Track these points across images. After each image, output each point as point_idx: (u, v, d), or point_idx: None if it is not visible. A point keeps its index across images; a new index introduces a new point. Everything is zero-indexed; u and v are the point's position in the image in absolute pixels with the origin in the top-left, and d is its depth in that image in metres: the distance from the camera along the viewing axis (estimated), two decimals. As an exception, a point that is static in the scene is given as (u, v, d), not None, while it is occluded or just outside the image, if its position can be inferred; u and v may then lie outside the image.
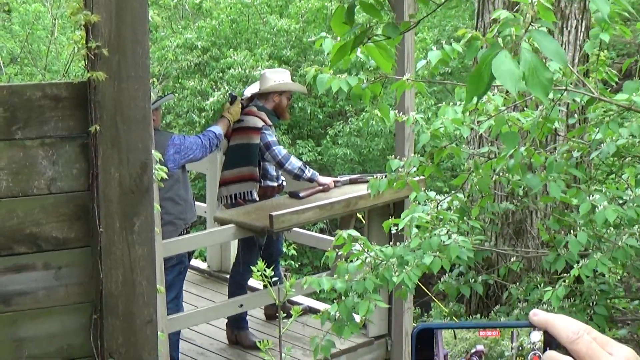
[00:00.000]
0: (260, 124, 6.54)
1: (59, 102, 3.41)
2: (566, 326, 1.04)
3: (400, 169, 4.16)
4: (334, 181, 6.63)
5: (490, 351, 1.08)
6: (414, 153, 4.25)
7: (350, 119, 12.99)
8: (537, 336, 1.07)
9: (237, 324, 6.66)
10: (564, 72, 3.75)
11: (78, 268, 3.50)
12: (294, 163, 6.51)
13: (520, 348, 1.08)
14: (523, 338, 1.08)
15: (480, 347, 1.08)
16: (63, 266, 3.49)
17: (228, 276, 7.20)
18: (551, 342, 1.05)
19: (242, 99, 6.74)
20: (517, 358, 1.08)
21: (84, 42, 3.38)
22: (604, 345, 1.03)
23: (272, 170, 6.66)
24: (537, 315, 1.06)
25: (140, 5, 3.39)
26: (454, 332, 1.08)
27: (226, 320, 6.70)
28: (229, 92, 7.00)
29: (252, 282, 6.83)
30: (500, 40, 2.16)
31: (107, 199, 3.43)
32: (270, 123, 6.60)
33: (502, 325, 1.09)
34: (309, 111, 13.02)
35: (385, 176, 4.27)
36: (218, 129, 6.31)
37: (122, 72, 3.39)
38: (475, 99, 2.22)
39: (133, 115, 3.41)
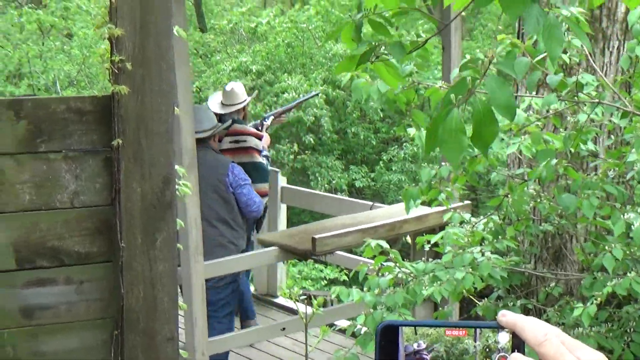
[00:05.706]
0: (261, 147, 6.68)
1: (83, 116, 3.40)
2: (534, 328, 1.00)
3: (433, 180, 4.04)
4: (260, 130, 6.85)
5: (452, 348, 1.05)
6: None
7: (405, 144, 12.88)
8: (505, 337, 1.04)
9: None
10: (603, 85, 3.62)
11: (99, 283, 3.47)
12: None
13: (487, 349, 1.04)
14: (489, 337, 1.04)
15: (421, 344, 1.06)
16: (84, 281, 3.46)
17: (274, 299, 7.19)
18: (519, 344, 1.02)
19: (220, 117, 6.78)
20: (485, 359, 1.04)
21: (109, 55, 3.38)
22: (573, 350, 0.98)
23: None
24: (506, 316, 1.03)
25: (164, 19, 3.37)
26: (415, 328, 1.06)
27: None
28: None
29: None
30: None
31: (128, 213, 3.40)
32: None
33: (470, 325, 1.06)
34: (362, 137, 12.97)
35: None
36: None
37: (146, 86, 3.37)
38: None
39: (156, 130, 3.39)
